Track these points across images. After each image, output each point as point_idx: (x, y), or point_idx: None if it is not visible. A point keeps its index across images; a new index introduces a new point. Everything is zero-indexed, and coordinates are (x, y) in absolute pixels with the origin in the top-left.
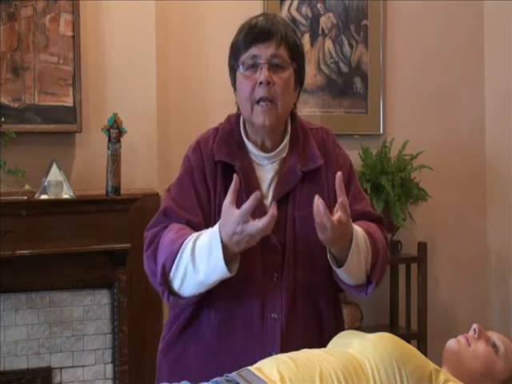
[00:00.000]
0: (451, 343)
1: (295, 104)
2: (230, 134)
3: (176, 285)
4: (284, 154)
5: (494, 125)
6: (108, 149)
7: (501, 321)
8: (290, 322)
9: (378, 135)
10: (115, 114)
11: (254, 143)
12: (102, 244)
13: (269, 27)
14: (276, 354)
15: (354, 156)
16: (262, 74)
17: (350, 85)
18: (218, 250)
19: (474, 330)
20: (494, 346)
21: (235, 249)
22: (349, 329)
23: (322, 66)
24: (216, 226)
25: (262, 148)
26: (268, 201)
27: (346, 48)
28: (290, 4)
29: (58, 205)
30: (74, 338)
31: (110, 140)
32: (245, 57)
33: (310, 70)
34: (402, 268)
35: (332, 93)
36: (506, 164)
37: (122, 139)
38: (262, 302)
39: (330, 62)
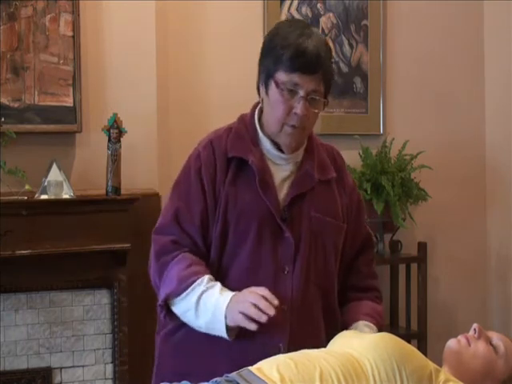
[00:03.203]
0: (451, 343)
1: None
2: (244, 132)
3: (177, 313)
4: (299, 159)
5: (493, 125)
6: (108, 149)
7: (501, 321)
8: (300, 315)
9: (378, 135)
10: (115, 114)
11: (271, 141)
12: (102, 244)
13: (316, 59)
14: (283, 345)
15: (354, 156)
16: (300, 108)
17: (350, 85)
18: (221, 325)
19: (474, 329)
20: (494, 345)
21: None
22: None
23: None
24: (224, 302)
25: (278, 147)
26: (281, 197)
27: (346, 48)
28: (290, 4)
29: (58, 205)
30: (74, 337)
31: (109, 140)
32: (285, 79)
33: None
34: (402, 268)
35: (332, 93)
36: (506, 164)
37: (122, 139)
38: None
39: None
